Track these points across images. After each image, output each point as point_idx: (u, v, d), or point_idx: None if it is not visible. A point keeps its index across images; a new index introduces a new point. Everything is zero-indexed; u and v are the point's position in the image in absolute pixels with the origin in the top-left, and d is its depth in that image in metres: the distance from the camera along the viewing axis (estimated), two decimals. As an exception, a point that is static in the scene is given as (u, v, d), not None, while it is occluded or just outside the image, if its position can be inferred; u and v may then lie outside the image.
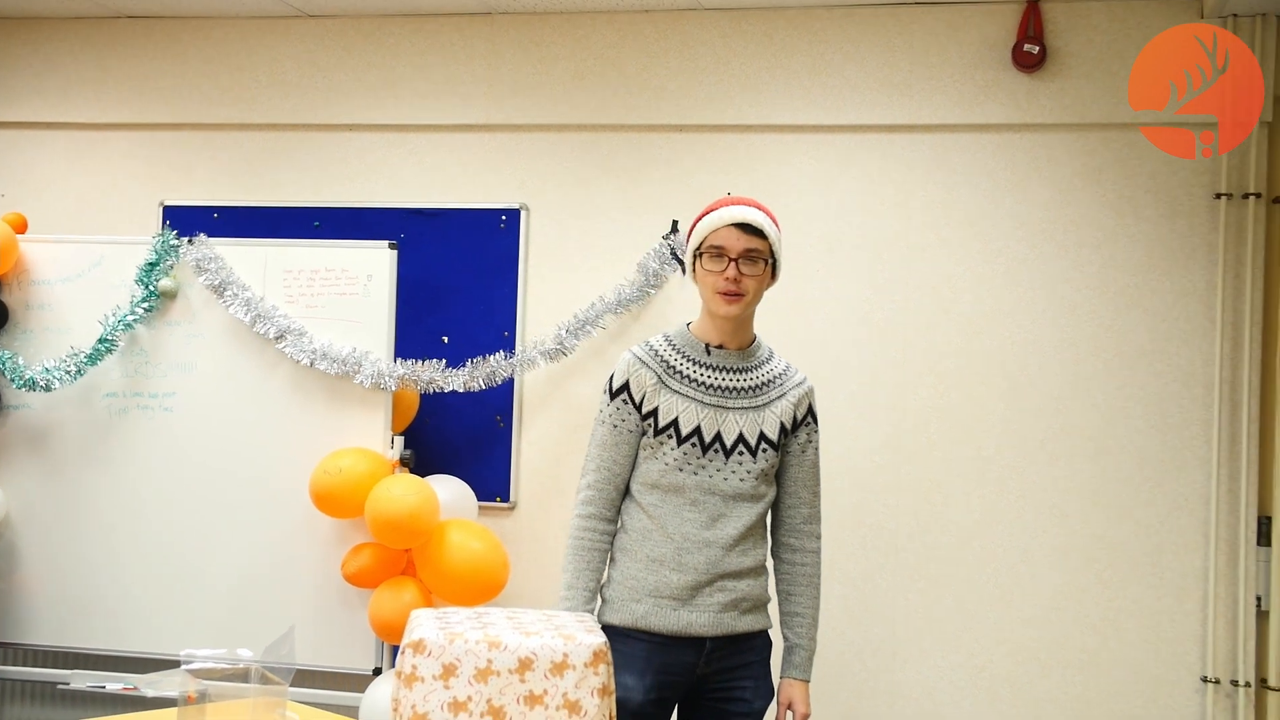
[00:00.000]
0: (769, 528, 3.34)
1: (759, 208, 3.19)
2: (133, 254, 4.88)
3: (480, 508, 4.87)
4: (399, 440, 4.73)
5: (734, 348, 3.24)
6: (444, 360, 4.75)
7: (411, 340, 4.88)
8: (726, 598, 3.15)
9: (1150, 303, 4.58)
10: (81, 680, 4.76)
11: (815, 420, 3.32)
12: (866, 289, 4.75)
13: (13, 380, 4.82)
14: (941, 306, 4.67)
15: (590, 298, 4.88)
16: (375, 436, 4.66)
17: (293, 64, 5.31)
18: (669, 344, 3.27)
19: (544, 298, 5.06)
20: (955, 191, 4.70)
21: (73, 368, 4.79)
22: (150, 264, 4.79)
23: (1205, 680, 4.44)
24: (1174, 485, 4.53)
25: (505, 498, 5.02)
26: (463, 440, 5.04)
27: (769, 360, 3.30)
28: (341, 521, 4.62)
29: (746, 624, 3.21)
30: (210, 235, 4.88)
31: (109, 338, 4.77)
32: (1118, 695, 4.49)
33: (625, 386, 3.23)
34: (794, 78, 4.88)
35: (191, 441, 4.86)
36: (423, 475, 4.69)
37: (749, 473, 3.17)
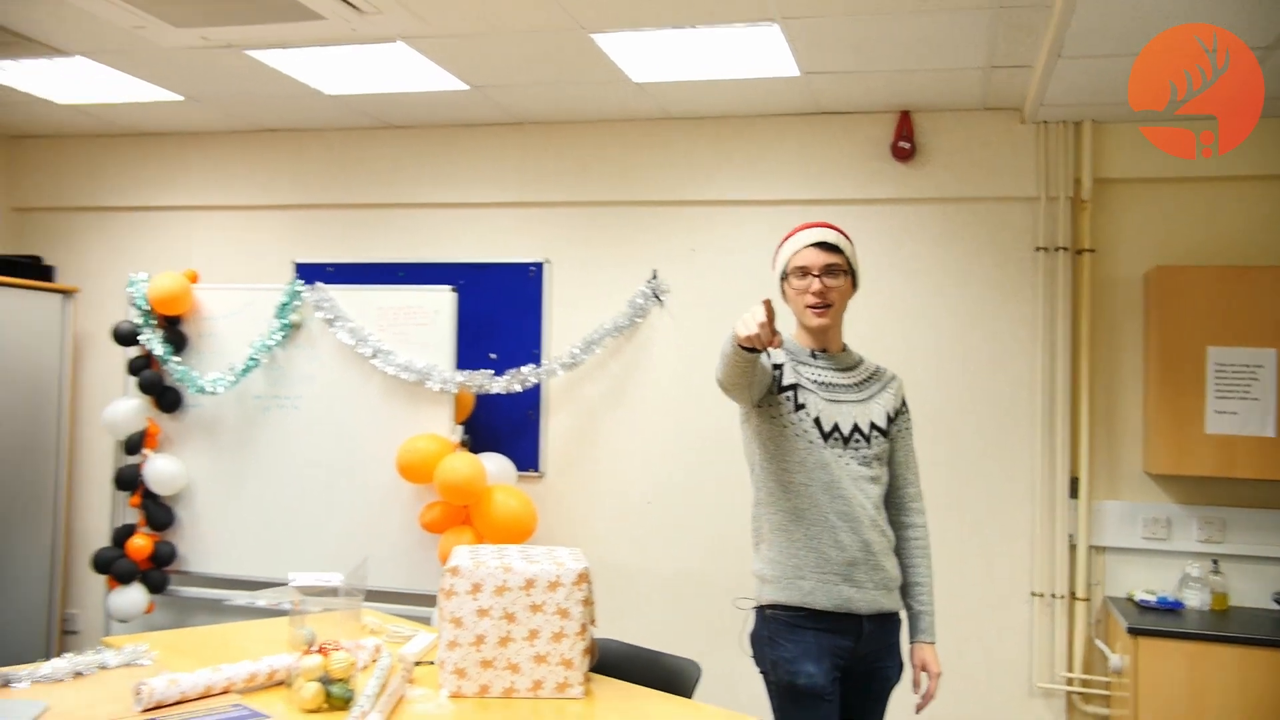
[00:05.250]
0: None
1: (832, 227, 2.82)
2: (271, 297, 4.91)
3: (518, 476, 4.89)
4: (459, 428, 4.75)
5: (834, 352, 2.82)
6: (491, 371, 4.78)
7: (468, 357, 4.88)
8: (878, 576, 2.70)
9: (991, 326, 4.60)
10: (238, 599, 4.91)
11: (907, 409, 2.91)
12: (791, 316, 4.82)
13: (190, 388, 4.92)
14: (849, 330, 4.75)
15: (594, 325, 4.92)
16: (442, 425, 4.68)
17: (383, 162, 5.36)
18: (783, 350, 2.80)
19: (561, 325, 5.05)
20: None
21: (231, 379, 4.85)
22: (284, 304, 4.86)
23: (1033, 595, 4.49)
24: (1009, 456, 4.56)
25: (536, 469, 5.02)
26: (505, 427, 5.03)
27: (862, 361, 2.89)
28: (418, 486, 4.64)
29: (892, 603, 2.76)
30: (326, 283, 4.93)
31: (255, 357, 4.84)
32: (972, 608, 4.50)
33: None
34: (737, 166, 4.90)
35: (312, 430, 4.89)
36: (476, 453, 4.72)
37: (865, 458, 2.73)
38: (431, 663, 2.72)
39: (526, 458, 5.02)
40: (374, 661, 2.70)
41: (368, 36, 3.94)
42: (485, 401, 4.95)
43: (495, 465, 4.75)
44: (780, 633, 2.68)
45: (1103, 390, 4.52)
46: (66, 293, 5.56)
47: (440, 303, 4.77)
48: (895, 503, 2.86)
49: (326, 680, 2.43)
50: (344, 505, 4.84)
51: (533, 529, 4.61)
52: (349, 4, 3.58)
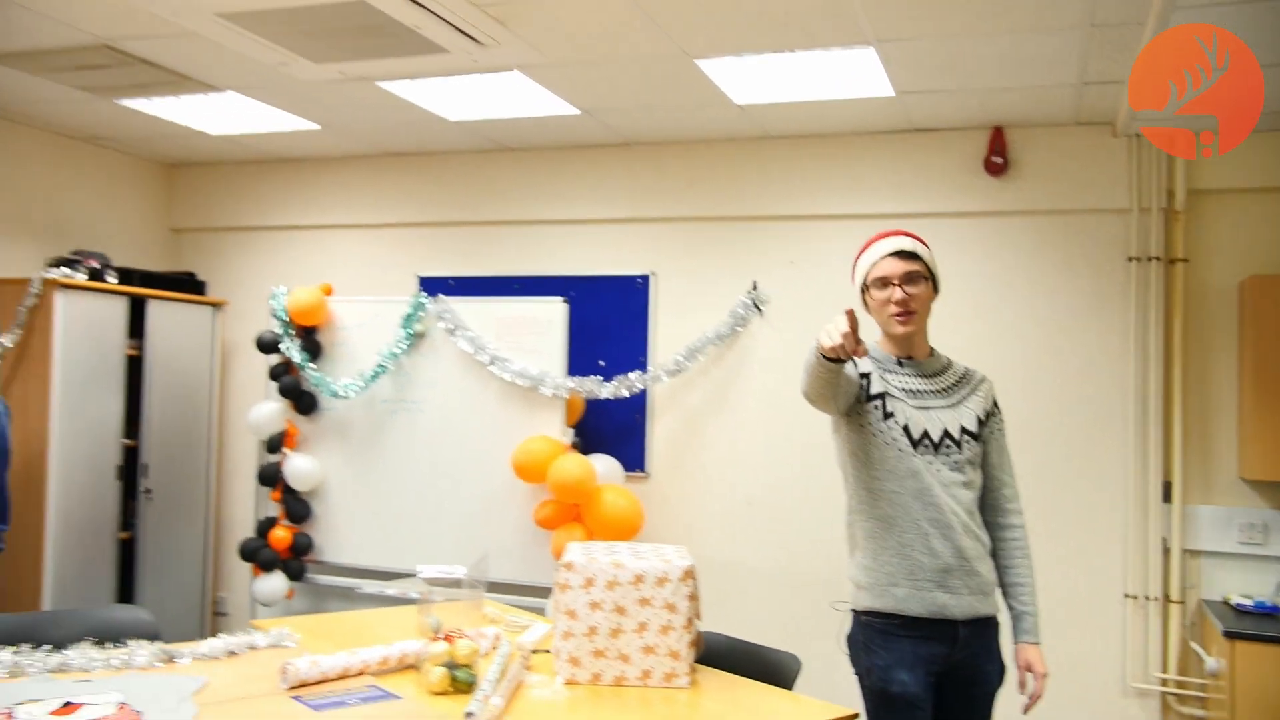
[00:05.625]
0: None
1: (907, 234, 2.72)
2: (397, 309, 5.04)
3: (625, 476, 4.94)
4: (570, 431, 4.81)
5: (920, 358, 2.72)
6: (600, 377, 4.85)
7: (578, 364, 4.95)
8: (973, 582, 2.58)
9: (1083, 335, 4.52)
10: (367, 587, 5.08)
11: (999, 410, 2.78)
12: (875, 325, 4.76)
13: (325, 392, 5.09)
14: (940, 341, 4.71)
15: (697, 334, 4.95)
16: (554, 428, 4.75)
17: (500, 182, 5.47)
18: (869, 359, 2.69)
19: (666, 334, 5.10)
20: (945, 261, 4.71)
21: (361, 384, 5.00)
22: (409, 315, 4.98)
23: (1127, 596, 4.40)
24: (1101, 462, 4.47)
25: (642, 469, 5.06)
26: (613, 430, 5.08)
27: (951, 365, 2.77)
28: (531, 485, 4.71)
29: (988, 607, 2.64)
30: (447, 295, 5.05)
31: (384, 364, 4.98)
32: (1065, 609, 4.37)
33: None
34: (833, 182, 4.89)
35: (435, 431, 5.00)
36: (586, 454, 4.77)
37: (957, 463, 2.62)
38: (547, 651, 2.80)
39: (633, 459, 5.07)
40: (494, 649, 2.78)
41: (488, 67, 4.06)
42: (594, 406, 5.01)
43: (604, 466, 4.80)
44: (874, 639, 2.63)
45: (1196, 397, 4.39)
46: (216, 305, 5.82)
47: (553, 313, 4.85)
48: (991, 504, 2.73)
49: (452, 665, 2.52)
50: (463, 501, 4.93)
51: (639, 526, 4.66)
52: (471, 38, 3.69)
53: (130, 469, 5.29)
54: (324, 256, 5.89)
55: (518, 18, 3.57)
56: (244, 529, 5.66)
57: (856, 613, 2.71)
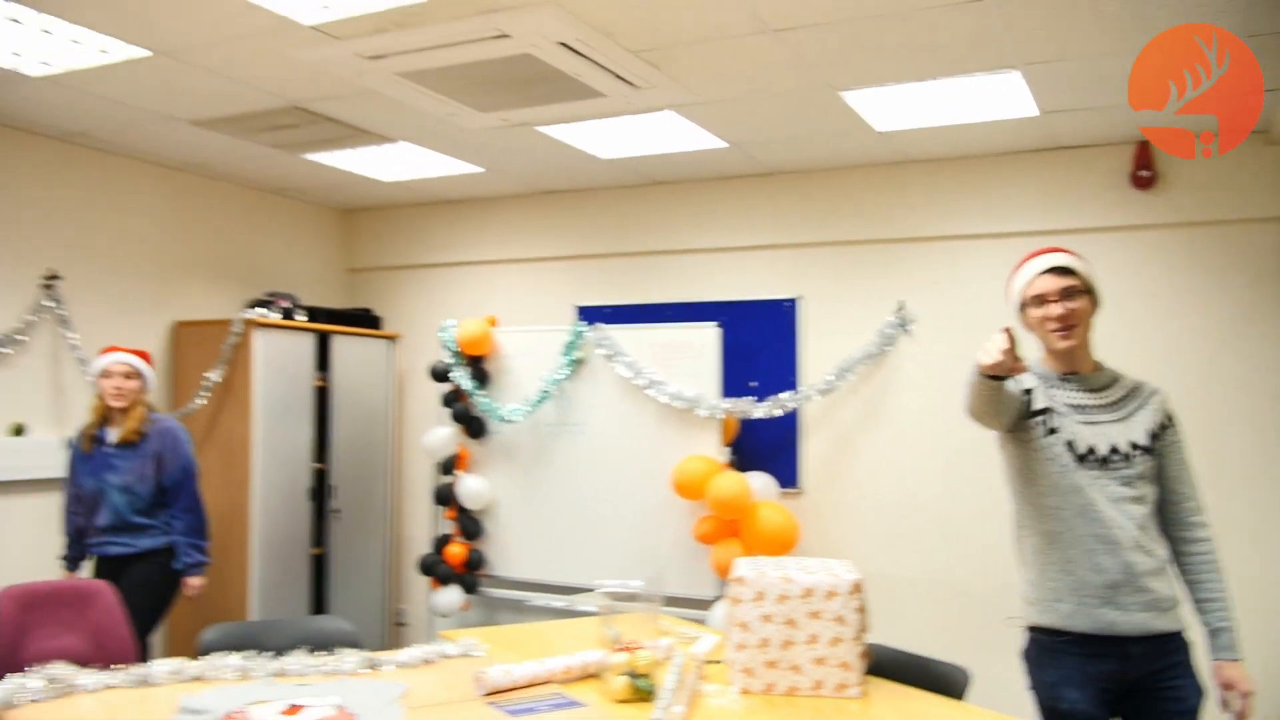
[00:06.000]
0: (1161, 527, 2.58)
1: (1062, 250, 2.62)
2: (557, 337, 5.11)
3: (780, 492, 4.91)
4: (726, 450, 4.81)
5: (1085, 372, 2.60)
6: (754, 397, 4.82)
7: (730, 385, 4.94)
8: (1144, 598, 2.45)
9: (1243, 345, 4.33)
10: (538, 600, 5.18)
11: (1175, 422, 2.62)
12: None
13: (493, 417, 5.20)
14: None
15: (845, 354, 4.91)
16: (710, 447, 4.73)
17: (651, 214, 5.55)
18: (1033, 375, 2.60)
19: (814, 355, 5.08)
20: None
21: (527, 409, 5.09)
22: (570, 343, 5.05)
23: None
24: (1272, 472, 4.25)
25: (796, 485, 5.05)
26: (767, 448, 5.06)
27: (1119, 378, 2.64)
28: (689, 501, 4.69)
29: (1166, 623, 2.48)
30: (604, 323, 5.10)
31: (547, 390, 5.06)
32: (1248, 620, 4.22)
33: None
34: (976, 202, 4.81)
35: (597, 452, 5.03)
36: (742, 471, 4.75)
37: (1127, 478, 2.50)
38: (718, 662, 2.82)
39: (787, 475, 5.05)
40: (668, 659, 2.82)
41: (642, 108, 4.14)
42: (748, 425, 5.01)
43: (759, 482, 4.79)
44: (1043, 656, 2.57)
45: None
46: (391, 338, 6.07)
47: (706, 338, 4.85)
48: (1174, 519, 2.59)
49: (633, 674, 2.57)
50: (624, 518, 4.97)
51: (795, 541, 4.62)
52: (627, 82, 3.78)
53: (320, 490, 5.55)
54: (488, 290, 6.06)
55: (672, 61, 3.64)
56: (420, 545, 5.86)
57: (1028, 628, 2.65)
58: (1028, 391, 2.58)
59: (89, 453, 4.15)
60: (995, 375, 2.30)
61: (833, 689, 2.56)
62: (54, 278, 4.84)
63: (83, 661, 2.76)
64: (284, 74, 3.85)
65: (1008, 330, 2.26)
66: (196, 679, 2.71)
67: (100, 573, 4.11)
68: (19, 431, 4.68)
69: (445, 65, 3.60)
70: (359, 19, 3.28)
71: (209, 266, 5.66)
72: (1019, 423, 2.58)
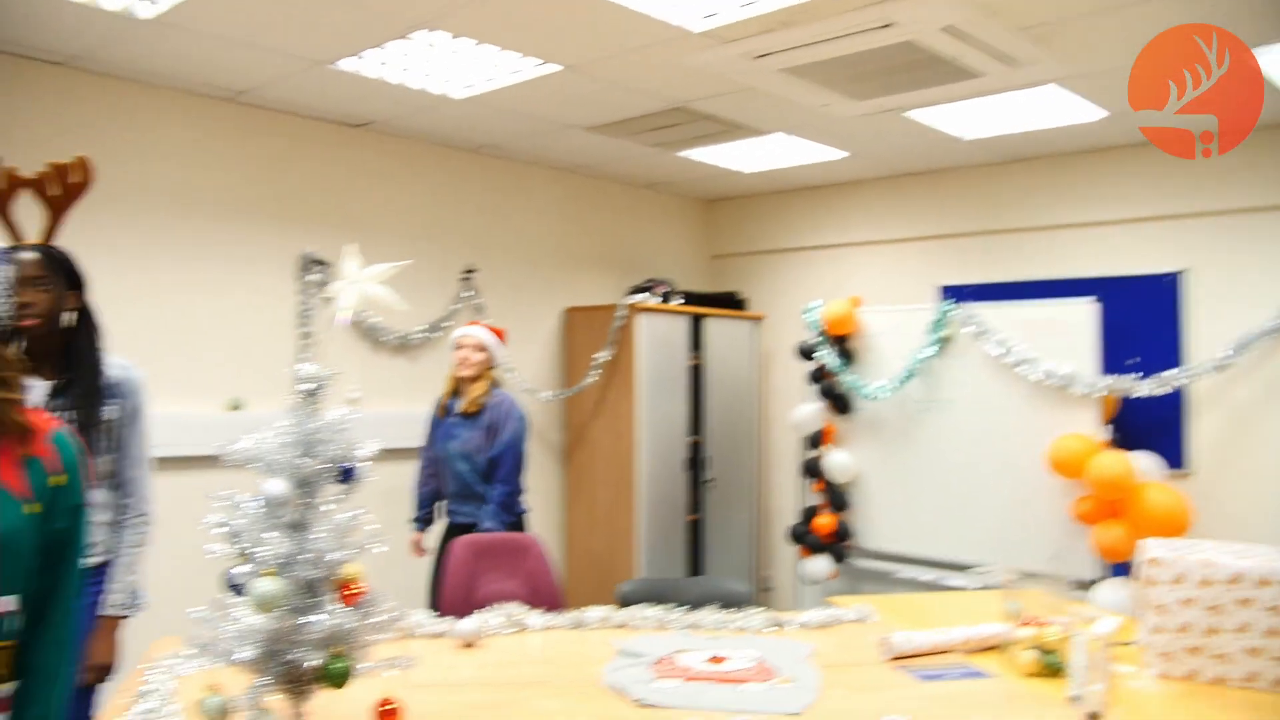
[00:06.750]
0: None
1: None
2: (920, 317, 5.02)
3: (1168, 474, 4.59)
4: (1106, 428, 4.59)
5: None
6: (1139, 374, 4.52)
7: (1110, 363, 4.69)
8: None
9: None
10: (906, 572, 5.16)
11: None
12: None
13: (859, 394, 5.23)
14: None
15: (1237, 330, 4.48)
16: (1086, 425, 4.52)
17: (1013, 191, 5.34)
18: None
19: (1201, 331, 4.71)
20: None
21: (892, 386, 5.08)
22: (936, 321, 4.97)
23: None
24: None
25: (1183, 466, 4.72)
26: (1148, 428, 4.76)
27: None
28: (1064, 480, 4.51)
29: None
30: (971, 301, 4.97)
31: (912, 368, 5.03)
32: None
33: None
34: None
35: (965, 429, 4.94)
36: (1124, 450, 4.49)
37: None
38: (1127, 644, 2.70)
39: (1172, 455, 4.71)
40: (1073, 637, 2.74)
41: (1020, 84, 3.99)
42: (1130, 403, 4.70)
43: (1144, 462, 4.50)
44: None
45: None
46: (755, 319, 6.26)
47: (1081, 314, 4.61)
48: None
49: (1041, 650, 2.53)
50: (993, 495, 4.85)
51: (1187, 525, 4.28)
52: (1008, 61, 3.66)
53: (694, 462, 5.84)
54: (847, 271, 6.09)
55: (1059, 35, 3.48)
56: (784, 515, 6.01)
57: None
58: None
59: (440, 420, 4.22)
60: None
61: (1271, 683, 2.38)
62: (470, 271, 5.43)
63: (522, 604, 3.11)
64: (671, 78, 4.08)
65: None
66: (621, 626, 2.98)
67: (449, 537, 4.05)
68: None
69: (826, 59, 3.67)
70: (747, 22, 3.42)
71: (594, 257, 6.12)
72: None
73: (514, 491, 4.09)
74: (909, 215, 5.83)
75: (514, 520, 4.09)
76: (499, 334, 4.22)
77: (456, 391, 4.20)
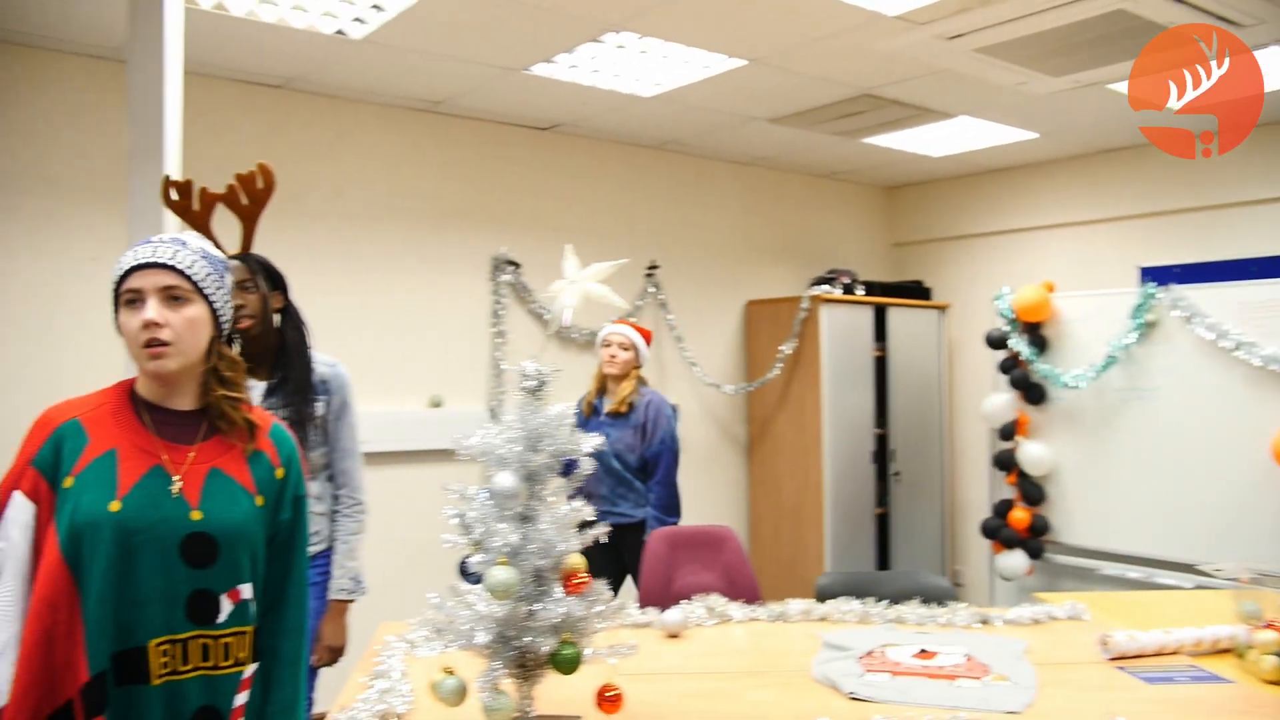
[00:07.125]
0: None
1: None
2: (1119, 301, 4.79)
3: None
4: None
5: None
6: None
7: None
8: None
9: None
10: (1110, 569, 4.89)
11: None
12: None
13: (1054, 383, 4.99)
14: None
15: None
16: None
17: (1226, 163, 4.96)
18: None
19: None
20: None
21: (1091, 374, 4.86)
22: (1138, 305, 4.71)
23: None
24: None
25: None
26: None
27: None
28: None
29: None
30: (1175, 283, 4.68)
31: (1113, 355, 4.78)
32: None
33: None
34: None
35: (1173, 418, 4.67)
36: None
37: None
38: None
39: None
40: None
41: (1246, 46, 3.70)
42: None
43: (1383, 455, 4.11)
44: None
45: None
46: (941, 308, 6.06)
47: (1306, 294, 4.26)
48: None
49: (1283, 655, 2.34)
50: (1208, 488, 4.55)
51: None
52: (1229, 22, 3.41)
53: (881, 454, 5.71)
54: (1038, 255, 5.83)
55: (1282, -6, 3.22)
56: (975, 509, 5.80)
57: None
58: None
59: (588, 419, 4.09)
60: None
61: None
62: (654, 267, 5.48)
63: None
64: (859, 64, 3.99)
65: None
66: (823, 619, 2.94)
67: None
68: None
69: (1026, 34, 3.51)
70: (944, 2, 3.30)
71: (774, 249, 6.07)
72: None
73: (674, 492, 4.04)
74: (1105, 195, 5.52)
75: (675, 522, 4.01)
76: (646, 335, 4.15)
77: (603, 390, 4.12)
